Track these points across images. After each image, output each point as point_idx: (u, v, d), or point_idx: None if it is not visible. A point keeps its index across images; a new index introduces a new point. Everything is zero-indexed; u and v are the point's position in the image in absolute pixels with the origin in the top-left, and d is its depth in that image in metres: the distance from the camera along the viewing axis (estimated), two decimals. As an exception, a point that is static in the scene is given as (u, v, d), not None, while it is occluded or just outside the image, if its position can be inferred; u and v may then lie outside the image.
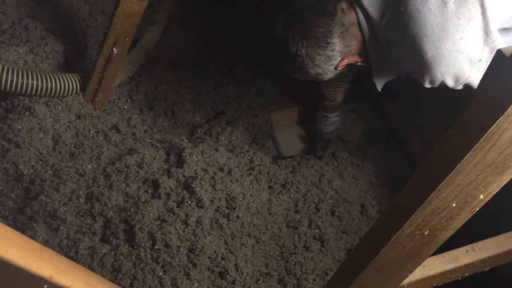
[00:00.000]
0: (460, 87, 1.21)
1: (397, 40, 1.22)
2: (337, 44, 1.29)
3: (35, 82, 1.48)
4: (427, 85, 1.24)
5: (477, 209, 0.63)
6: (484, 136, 0.50)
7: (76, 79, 1.57)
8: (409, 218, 0.61)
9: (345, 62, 1.34)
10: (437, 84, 1.22)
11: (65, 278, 0.50)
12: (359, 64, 1.37)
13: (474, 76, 1.17)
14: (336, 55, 1.32)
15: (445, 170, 0.54)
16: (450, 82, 1.20)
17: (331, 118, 1.93)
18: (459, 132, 0.54)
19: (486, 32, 1.11)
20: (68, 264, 0.52)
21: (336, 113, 1.93)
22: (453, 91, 1.24)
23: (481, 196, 0.60)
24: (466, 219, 0.65)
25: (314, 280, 1.42)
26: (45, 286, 0.49)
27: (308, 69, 1.36)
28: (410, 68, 1.25)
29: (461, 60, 1.14)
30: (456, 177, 0.55)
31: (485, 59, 1.13)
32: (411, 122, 1.95)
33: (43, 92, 1.50)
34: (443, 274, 0.97)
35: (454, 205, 0.60)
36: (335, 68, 1.36)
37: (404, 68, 1.29)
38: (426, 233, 0.65)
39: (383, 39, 1.27)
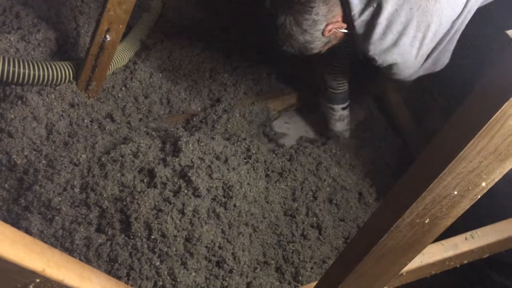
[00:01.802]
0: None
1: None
2: (321, 8, 1.37)
3: (27, 71, 1.46)
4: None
5: (479, 196, 0.62)
6: (488, 123, 0.49)
7: (69, 67, 1.55)
8: (409, 206, 0.60)
9: (330, 27, 1.40)
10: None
11: (58, 271, 0.48)
12: (344, 31, 1.42)
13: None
14: (321, 19, 1.39)
15: (448, 157, 0.53)
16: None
17: (337, 111, 1.88)
18: (463, 119, 0.53)
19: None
20: (61, 256, 0.50)
21: (342, 105, 1.87)
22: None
23: (483, 184, 0.59)
24: (468, 207, 0.64)
25: (311, 268, 1.41)
26: (38, 280, 0.47)
27: (297, 36, 1.43)
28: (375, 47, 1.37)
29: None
30: (459, 164, 0.53)
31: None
32: (410, 110, 1.94)
33: (36, 80, 1.48)
34: (442, 261, 0.97)
35: (455, 192, 0.59)
36: (322, 34, 1.42)
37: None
38: (426, 221, 0.64)
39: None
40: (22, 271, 0.45)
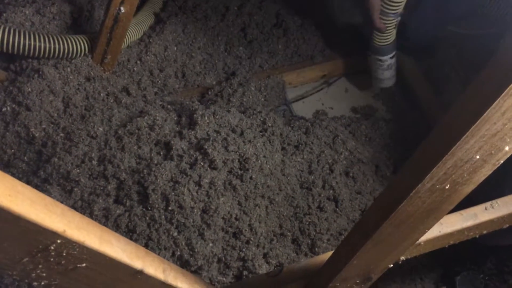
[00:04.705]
0: None
1: None
2: None
3: (42, 44, 1.46)
4: None
5: (501, 162, 0.61)
6: (514, 81, 0.47)
7: (84, 40, 1.55)
8: (430, 171, 0.59)
9: None
10: None
11: (78, 232, 0.49)
12: None
13: None
14: None
15: (471, 119, 0.51)
16: None
17: (386, 61, 1.83)
18: (487, 78, 0.51)
19: None
20: (81, 219, 0.51)
21: (390, 55, 1.82)
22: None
23: (507, 148, 0.58)
24: (489, 173, 0.63)
25: (328, 240, 1.42)
26: (59, 241, 0.48)
27: None
28: None
29: None
30: (482, 126, 0.52)
31: None
32: (429, 82, 1.90)
33: (51, 54, 1.48)
34: (461, 231, 0.96)
35: (477, 157, 0.58)
36: None
37: None
38: (447, 187, 0.63)
39: None
40: (43, 232, 0.45)
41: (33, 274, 0.51)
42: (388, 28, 1.72)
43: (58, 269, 0.51)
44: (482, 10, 1.80)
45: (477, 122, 0.51)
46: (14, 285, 1.22)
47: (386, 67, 1.85)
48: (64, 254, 0.49)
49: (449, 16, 1.80)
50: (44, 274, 0.51)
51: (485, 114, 0.50)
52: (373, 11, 1.68)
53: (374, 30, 1.75)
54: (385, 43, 1.78)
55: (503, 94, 0.48)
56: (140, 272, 0.59)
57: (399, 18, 1.71)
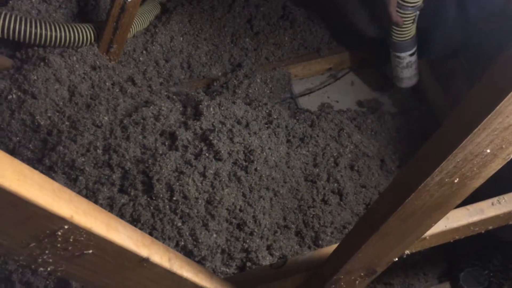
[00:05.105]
0: None
1: None
2: None
3: (48, 32, 1.46)
4: None
5: (511, 156, 0.60)
6: (529, 74, 0.46)
7: (90, 29, 1.54)
8: (439, 164, 0.58)
9: None
10: None
11: (86, 219, 0.49)
12: None
13: None
14: None
15: (483, 112, 0.50)
16: None
17: (405, 59, 1.75)
18: (500, 71, 0.50)
19: None
20: (88, 205, 0.50)
21: (409, 52, 1.74)
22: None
23: (518, 142, 0.57)
24: (499, 167, 0.62)
25: (332, 233, 1.42)
26: (66, 227, 0.47)
27: None
28: None
29: None
30: (495, 119, 0.51)
31: None
32: (436, 76, 1.88)
33: (58, 42, 1.48)
34: (467, 226, 0.95)
35: (488, 151, 0.57)
36: None
37: None
38: (456, 181, 0.62)
39: None
40: (50, 217, 0.45)
41: (40, 260, 0.51)
42: (406, 22, 1.63)
43: (65, 255, 0.51)
44: (489, 7, 1.77)
45: (489, 115, 0.51)
46: (18, 271, 1.23)
47: (406, 65, 1.77)
48: (71, 240, 0.48)
49: (476, 17, 1.73)
50: (51, 260, 0.51)
51: (498, 107, 0.50)
52: (389, 4, 1.60)
53: (391, 24, 1.67)
54: (404, 39, 1.69)
55: (517, 86, 0.47)
56: (146, 260, 0.59)
57: (417, 12, 1.62)
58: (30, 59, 1.50)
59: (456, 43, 1.74)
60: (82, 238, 0.49)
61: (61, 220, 0.46)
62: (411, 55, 1.75)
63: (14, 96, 1.43)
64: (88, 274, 0.57)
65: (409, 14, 1.61)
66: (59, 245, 0.49)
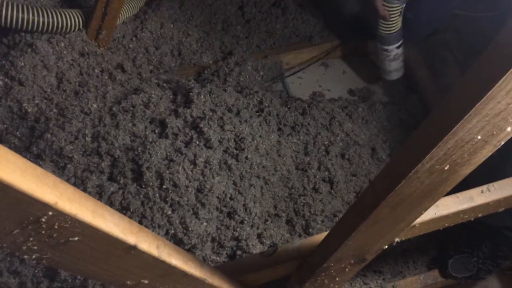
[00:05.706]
0: None
1: None
2: None
3: (36, 18, 1.43)
4: None
5: (502, 143, 0.60)
6: (521, 59, 0.46)
7: (78, 14, 1.51)
8: (430, 151, 0.58)
9: None
10: None
11: (70, 205, 0.48)
12: None
13: None
14: None
15: (475, 97, 0.50)
16: None
17: (392, 51, 1.77)
18: (493, 56, 0.50)
19: None
20: (74, 191, 0.49)
21: (396, 44, 1.75)
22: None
23: (509, 129, 0.56)
24: (489, 154, 0.62)
25: (322, 221, 1.42)
26: (50, 213, 0.46)
27: None
28: None
29: None
30: (486, 105, 0.51)
31: None
32: (427, 65, 1.88)
33: (45, 28, 1.45)
34: (457, 214, 0.95)
35: (479, 137, 0.57)
36: None
37: None
38: (446, 168, 0.62)
39: None
40: (33, 203, 0.44)
41: (24, 247, 0.50)
42: (392, 16, 1.65)
43: (50, 242, 0.50)
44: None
45: (481, 100, 0.50)
46: (6, 260, 1.22)
47: (393, 57, 1.78)
48: (56, 227, 0.47)
49: (453, 2, 1.75)
50: (35, 247, 0.50)
51: (490, 92, 0.49)
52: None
53: (378, 18, 1.68)
54: (390, 32, 1.70)
55: (509, 72, 0.47)
56: (133, 248, 0.58)
57: (403, 5, 1.64)
58: (17, 45, 1.47)
59: (436, 22, 1.77)
60: (67, 225, 0.48)
61: (45, 206, 0.44)
62: (398, 47, 1.77)
63: (0, 83, 1.40)
64: (74, 262, 0.56)
65: (396, 7, 1.63)
66: (43, 232, 0.48)
